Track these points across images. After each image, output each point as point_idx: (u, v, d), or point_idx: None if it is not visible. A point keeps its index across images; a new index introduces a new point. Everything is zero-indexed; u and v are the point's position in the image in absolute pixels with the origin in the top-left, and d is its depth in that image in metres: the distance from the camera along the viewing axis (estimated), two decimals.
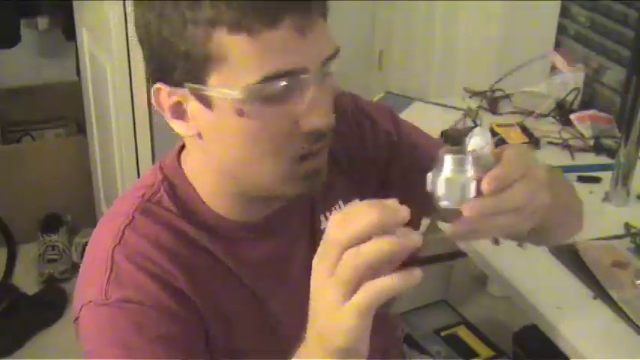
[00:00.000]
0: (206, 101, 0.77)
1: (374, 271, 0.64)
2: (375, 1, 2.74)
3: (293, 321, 0.83)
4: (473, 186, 0.70)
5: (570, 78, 1.98)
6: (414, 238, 0.65)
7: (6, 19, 2.56)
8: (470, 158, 0.70)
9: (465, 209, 0.70)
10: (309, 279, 0.79)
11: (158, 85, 0.80)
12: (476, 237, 0.77)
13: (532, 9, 2.19)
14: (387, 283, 0.64)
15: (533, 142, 1.78)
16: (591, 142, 1.78)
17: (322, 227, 0.95)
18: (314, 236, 0.94)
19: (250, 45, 0.72)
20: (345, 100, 1.00)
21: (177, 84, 0.78)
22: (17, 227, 2.60)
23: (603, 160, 1.72)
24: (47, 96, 2.90)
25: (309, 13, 0.73)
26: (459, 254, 1.21)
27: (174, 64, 0.77)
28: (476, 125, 0.73)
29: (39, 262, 2.55)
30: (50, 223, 2.62)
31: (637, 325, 1.15)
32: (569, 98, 1.93)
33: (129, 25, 2.08)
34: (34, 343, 2.30)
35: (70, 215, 2.71)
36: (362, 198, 0.88)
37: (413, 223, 0.70)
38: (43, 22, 2.68)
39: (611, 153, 1.69)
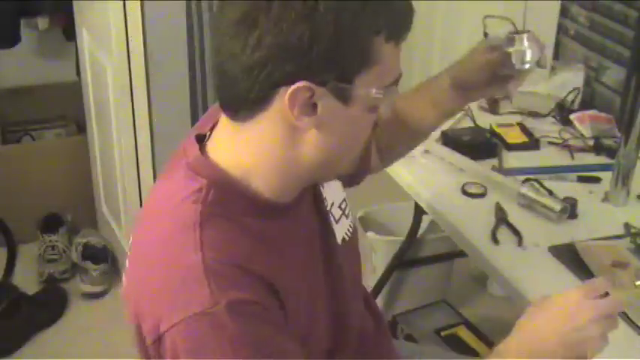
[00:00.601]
0: (346, 98, 0.86)
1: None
2: None
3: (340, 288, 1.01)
4: (530, 53, 1.12)
5: (570, 78, 1.98)
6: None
7: (6, 19, 2.56)
8: (526, 35, 1.14)
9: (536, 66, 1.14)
10: (326, 247, 1.02)
11: (303, 83, 0.83)
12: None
13: (532, 9, 2.19)
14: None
15: (533, 142, 1.78)
16: (591, 142, 1.78)
17: (324, 196, 1.05)
18: (321, 208, 1.04)
19: (395, 53, 0.88)
20: None
21: (322, 83, 0.84)
22: (17, 227, 2.60)
23: (603, 160, 1.72)
24: (47, 96, 2.90)
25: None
26: (458, 254, 1.24)
27: (326, 63, 0.83)
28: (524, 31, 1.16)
29: (39, 262, 2.55)
30: (50, 223, 2.62)
31: (637, 325, 1.15)
32: (569, 98, 1.93)
33: (129, 25, 2.08)
34: (34, 343, 2.30)
35: (70, 215, 2.71)
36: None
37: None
38: (43, 22, 2.68)
39: (611, 153, 1.69)
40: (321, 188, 1.05)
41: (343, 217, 1.09)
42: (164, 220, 0.89)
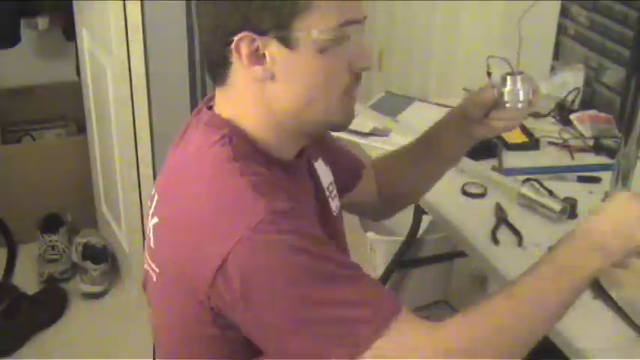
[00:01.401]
0: (289, 43, 0.90)
1: None
2: (375, 1, 2.74)
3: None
4: (524, 93, 1.13)
5: (570, 78, 1.98)
6: None
7: (6, 19, 2.56)
8: (520, 77, 1.14)
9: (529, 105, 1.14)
10: (331, 214, 1.11)
11: (243, 33, 0.90)
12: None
13: (532, 9, 2.19)
14: None
15: (533, 142, 1.78)
16: (591, 142, 1.78)
17: (318, 173, 1.11)
18: (317, 179, 1.10)
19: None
20: None
21: (262, 32, 0.90)
22: (17, 227, 2.60)
23: (603, 160, 1.72)
24: (47, 96, 2.90)
25: None
26: (458, 254, 1.24)
27: (261, 13, 0.89)
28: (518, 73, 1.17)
29: (39, 262, 2.55)
30: (50, 223, 2.62)
31: (637, 325, 1.15)
32: (569, 98, 1.93)
33: (129, 25, 2.08)
34: (34, 343, 2.30)
35: (70, 215, 2.71)
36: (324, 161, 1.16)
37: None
38: (43, 22, 2.68)
39: (611, 153, 1.69)
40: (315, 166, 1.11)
41: (333, 197, 1.14)
42: (199, 163, 0.94)
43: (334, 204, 1.14)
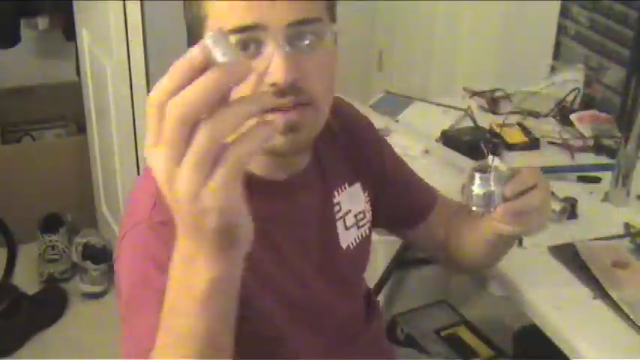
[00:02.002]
0: None
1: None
2: (375, 1, 2.74)
3: (317, 286, 1.03)
4: (497, 196, 0.96)
5: (570, 78, 1.98)
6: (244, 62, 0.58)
7: (6, 19, 2.56)
8: (492, 175, 0.96)
9: (496, 211, 0.97)
10: (324, 246, 1.04)
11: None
12: (507, 231, 1.00)
13: (532, 9, 2.19)
14: (247, 143, 0.58)
15: (533, 142, 1.78)
16: (591, 142, 1.77)
17: (335, 201, 1.07)
18: (326, 207, 1.06)
19: (221, 4, 0.85)
20: (357, 111, 1.19)
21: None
22: (17, 227, 2.60)
23: (603, 160, 1.72)
24: (47, 96, 2.90)
25: None
26: None
27: (191, 32, 0.91)
28: (493, 149, 1.09)
29: (39, 262, 2.55)
30: (50, 223, 2.62)
31: (637, 325, 1.15)
32: (569, 98, 1.93)
33: (129, 25, 2.08)
34: (34, 343, 2.30)
35: (70, 215, 2.71)
36: (363, 187, 1.12)
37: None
38: (43, 22, 2.68)
39: (611, 153, 1.69)
40: (336, 193, 1.07)
41: (354, 227, 1.10)
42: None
43: (350, 236, 1.09)
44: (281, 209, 0.98)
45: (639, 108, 1.46)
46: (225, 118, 0.57)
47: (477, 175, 0.97)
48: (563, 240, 1.38)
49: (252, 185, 0.88)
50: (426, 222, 1.22)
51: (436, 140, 1.76)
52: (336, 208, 1.08)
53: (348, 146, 1.11)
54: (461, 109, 1.91)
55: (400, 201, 1.20)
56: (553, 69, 2.11)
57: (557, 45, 2.14)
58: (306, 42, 0.87)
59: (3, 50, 2.62)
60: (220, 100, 0.57)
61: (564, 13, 2.11)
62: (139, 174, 2.26)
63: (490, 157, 1.02)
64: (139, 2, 2.07)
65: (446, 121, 1.86)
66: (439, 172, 1.65)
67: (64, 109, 2.91)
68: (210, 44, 0.58)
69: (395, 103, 1.99)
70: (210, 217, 0.58)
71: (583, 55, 2.04)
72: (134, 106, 2.18)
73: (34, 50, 2.92)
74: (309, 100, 0.88)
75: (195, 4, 0.88)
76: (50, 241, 2.56)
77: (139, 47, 2.11)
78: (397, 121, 1.88)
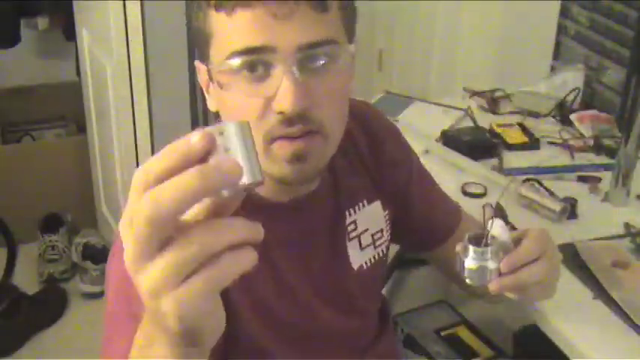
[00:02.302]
0: (210, 75, 0.86)
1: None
2: (375, 1, 2.74)
3: (317, 307, 0.99)
4: (493, 271, 0.88)
5: (570, 78, 1.98)
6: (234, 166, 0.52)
7: (6, 19, 2.56)
8: (490, 249, 0.87)
9: (490, 286, 0.89)
10: (330, 266, 0.99)
11: (196, 63, 0.90)
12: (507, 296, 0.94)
13: (532, 9, 2.19)
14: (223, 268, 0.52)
15: (533, 142, 1.78)
16: (591, 142, 1.77)
17: (347, 222, 1.02)
18: (337, 228, 1.01)
19: (227, 22, 0.80)
20: (386, 119, 1.13)
21: (201, 59, 0.88)
22: (17, 227, 2.60)
23: (603, 160, 1.72)
24: (47, 96, 2.90)
25: (286, 2, 0.78)
26: None
27: (197, 45, 0.87)
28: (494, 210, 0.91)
29: (39, 262, 2.55)
30: (50, 223, 2.62)
31: (637, 325, 1.15)
32: (569, 98, 1.93)
33: (129, 25, 2.08)
34: (34, 343, 2.30)
35: (70, 215, 2.71)
36: (384, 205, 1.07)
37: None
38: (43, 22, 2.68)
39: (611, 153, 1.69)
40: (352, 212, 1.03)
41: (371, 247, 1.06)
42: None
43: (365, 256, 1.05)
44: (282, 230, 0.93)
45: (639, 108, 1.46)
46: (216, 235, 0.51)
47: (471, 249, 0.88)
48: (563, 240, 1.38)
49: (252, 206, 0.84)
50: (447, 245, 1.16)
51: (436, 140, 1.76)
52: (351, 227, 1.03)
53: (371, 161, 1.06)
54: (461, 109, 1.92)
55: (422, 223, 1.15)
56: (553, 69, 2.11)
57: (557, 45, 2.14)
58: (319, 64, 0.82)
59: (3, 50, 2.62)
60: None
61: (564, 13, 2.11)
62: None
63: (490, 221, 0.88)
64: (138, 2, 2.07)
65: (446, 121, 1.86)
66: (439, 172, 1.65)
67: (64, 109, 2.91)
68: (219, 134, 0.52)
69: (395, 103, 1.99)
70: (169, 320, 0.53)
71: (583, 55, 2.04)
72: (134, 106, 2.18)
73: (34, 50, 2.92)
74: (318, 127, 0.83)
75: (201, 15, 0.83)
76: (50, 241, 2.56)
77: (139, 47, 2.11)
78: (397, 121, 1.88)
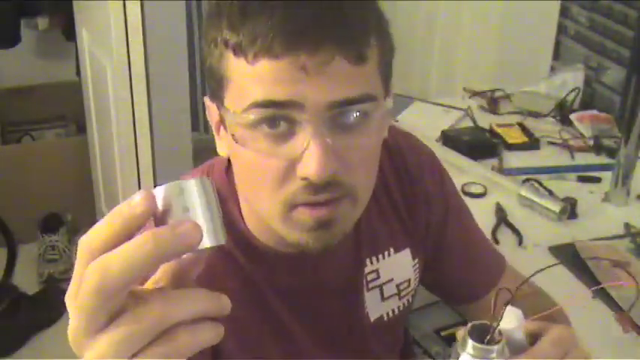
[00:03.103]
0: (224, 122, 0.76)
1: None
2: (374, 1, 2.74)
3: (321, 355, 0.91)
4: None
5: (570, 78, 1.98)
6: (190, 230, 0.47)
7: (6, 19, 2.56)
8: (496, 348, 0.64)
9: None
10: (340, 318, 0.91)
11: (205, 100, 0.80)
12: None
13: (532, 9, 2.19)
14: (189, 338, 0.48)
15: (533, 142, 1.78)
16: (591, 142, 1.78)
17: (367, 270, 0.93)
18: (353, 278, 0.92)
19: (247, 71, 0.69)
20: (423, 151, 0.99)
21: (213, 100, 0.78)
22: (17, 227, 2.60)
23: (603, 160, 1.72)
24: (47, 96, 2.90)
25: (317, 53, 0.67)
26: None
27: (209, 81, 0.77)
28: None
29: (39, 262, 2.55)
30: (50, 223, 2.62)
31: (637, 325, 1.15)
32: (569, 98, 1.93)
33: (129, 25, 2.08)
34: (34, 343, 2.30)
35: (70, 215, 2.71)
36: (414, 253, 0.96)
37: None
38: (43, 22, 2.68)
39: (611, 153, 1.69)
40: (374, 260, 0.94)
41: (394, 298, 0.97)
42: None
43: (387, 307, 0.96)
44: (285, 282, 0.86)
45: (639, 108, 1.46)
46: (173, 306, 0.47)
47: (471, 344, 0.65)
48: (563, 240, 1.38)
49: (253, 255, 0.82)
50: (486, 299, 1.02)
51: (436, 140, 1.76)
52: (371, 276, 0.94)
53: (402, 202, 0.95)
54: (461, 109, 1.92)
55: (458, 274, 1.02)
56: (553, 69, 2.11)
57: (557, 45, 2.14)
58: (352, 121, 0.71)
59: (3, 50, 2.62)
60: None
61: (564, 13, 2.11)
62: (139, 174, 2.26)
63: (503, 309, 0.66)
64: (138, 2, 2.06)
65: (446, 121, 1.87)
66: None
67: (64, 109, 2.91)
68: (178, 193, 0.48)
69: (395, 103, 1.98)
70: None
71: (583, 55, 2.04)
72: (134, 106, 2.17)
73: (34, 50, 2.92)
74: (347, 192, 0.73)
75: (217, 54, 0.72)
76: (50, 241, 2.56)
77: (139, 47, 2.11)
78: (397, 121, 1.88)
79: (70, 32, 2.65)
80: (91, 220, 2.76)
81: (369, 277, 0.93)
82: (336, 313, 0.92)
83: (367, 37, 0.70)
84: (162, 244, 0.45)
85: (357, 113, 0.71)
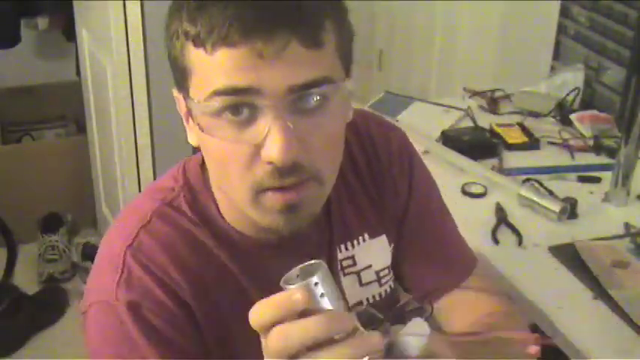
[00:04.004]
0: (191, 113, 0.78)
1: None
2: (375, 1, 2.75)
3: None
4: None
5: (570, 78, 1.98)
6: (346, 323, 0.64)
7: (6, 19, 2.56)
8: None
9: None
10: None
11: (173, 92, 0.82)
12: None
13: (532, 9, 2.19)
14: None
15: (533, 142, 1.78)
16: (591, 142, 1.78)
17: (341, 257, 0.94)
18: (331, 264, 0.92)
19: (207, 60, 0.71)
20: (394, 135, 0.99)
21: (179, 91, 0.80)
22: (17, 227, 2.60)
23: (603, 160, 1.72)
24: (47, 96, 2.90)
25: (272, 39, 0.69)
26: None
27: (174, 73, 0.79)
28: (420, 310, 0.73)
29: (39, 262, 2.55)
30: (50, 223, 2.63)
31: (637, 325, 1.15)
32: (569, 98, 1.93)
33: (129, 25, 2.08)
34: (34, 343, 2.30)
35: (70, 215, 2.71)
36: (390, 239, 0.97)
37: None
38: (43, 22, 2.68)
39: (611, 153, 1.69)
40: (349, 246, 0.94)
41: (375, 284, 0.97)
42: (135, 200, 0.89)
43: (365, 293, 0.96)
44: (259, 271, 0.86)
45: (639, 108, 1.46)
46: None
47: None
48: (563, 240, 1.38)
49: (229, 247, 0.85)
50: (445, 302, 1.01)
51: (436, 140, 1.76)
52: (348, 262, 0.94)
53: (372, 188, 0.96)
54: (461, 109, 1.92)
55: (414, 268, 1.00)
56: (553, 69, 2.11)
57: (557, 45, 2.14)
58: (312, 104, 0.72)
59: (3, 50, 2.62)
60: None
61: (564, 13, 2.11)
62: (138, 174, 2.26)
63: (414, 320, 0.70)
64: (139, 2, 2.06)
65: (446, 121, 1.86)
66: (439, 172, 1.65)
67: (64, 109, 2.91)
68: (314, 284, 0.63)
69: (395, 103, 1.99)
70: None
71: (583, 55, 2.04)
72: (134, 106, 2.17)
73: (34, 50, 2.92)
74: (313, 175, 0.75)
75: (178, 45, 0.75)
76: (50, 241, 2.56)
77: (139, 47, 2.11)
78: (397, 121, 1.88)
79: (70, 32, 2.65)
80: (91, 220, 2.76)
81: (345, 264, 0.94)
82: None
83: (322, 21, 0.72)
84: (331, 326, 0.62)
85: (317, 97, 0.72)
